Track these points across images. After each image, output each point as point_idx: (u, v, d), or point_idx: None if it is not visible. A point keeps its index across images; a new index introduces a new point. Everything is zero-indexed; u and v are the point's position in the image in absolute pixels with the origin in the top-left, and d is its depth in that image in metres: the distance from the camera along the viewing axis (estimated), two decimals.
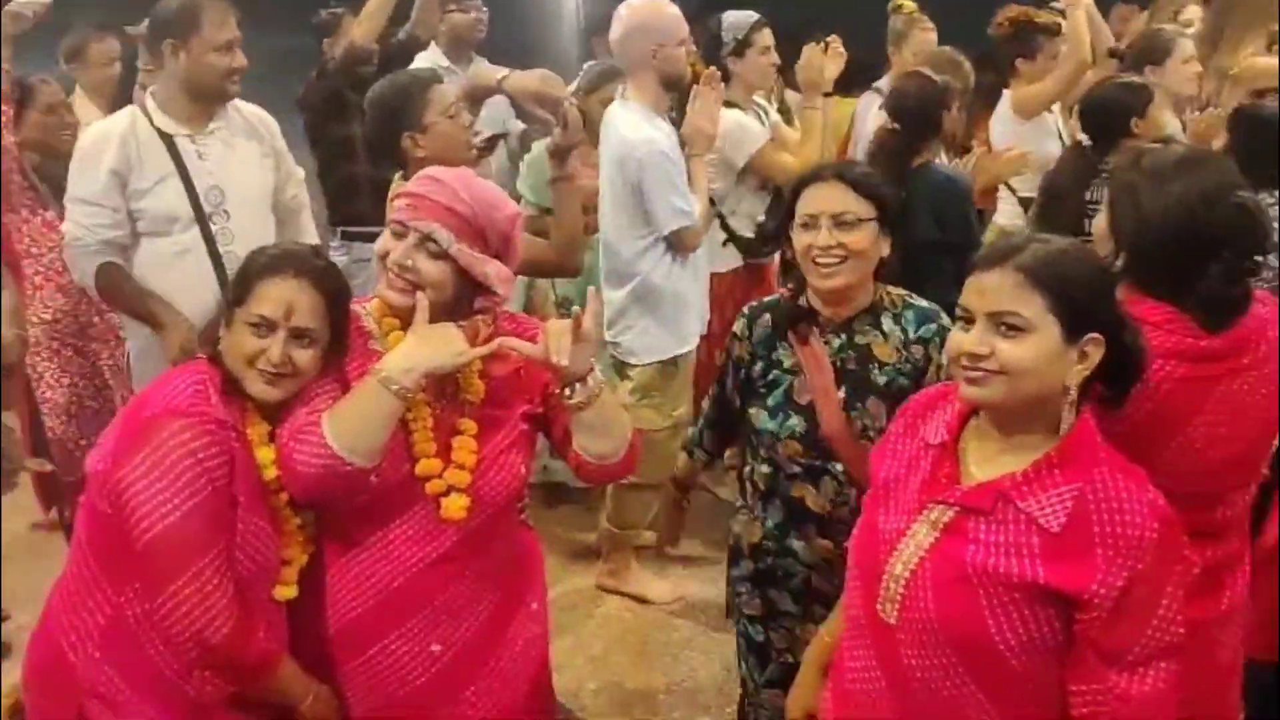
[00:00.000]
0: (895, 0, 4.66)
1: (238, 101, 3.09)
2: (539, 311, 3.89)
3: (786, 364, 2.22)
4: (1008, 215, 4.21)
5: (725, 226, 3.92)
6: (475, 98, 3.12)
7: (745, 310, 2.33)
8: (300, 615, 1.92)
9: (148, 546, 1.72)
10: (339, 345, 1.90)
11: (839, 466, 2.17)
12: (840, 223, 2.11)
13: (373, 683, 1.94)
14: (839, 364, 2.19)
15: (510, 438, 1.98)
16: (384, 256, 1.91)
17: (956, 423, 1.66)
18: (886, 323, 2.21)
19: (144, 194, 2.95)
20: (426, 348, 1.83)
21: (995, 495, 1.55)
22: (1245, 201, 1.81)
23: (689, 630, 3.54)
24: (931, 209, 3.44)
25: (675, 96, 3.50)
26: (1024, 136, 4.12)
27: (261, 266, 1.87)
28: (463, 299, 1.92)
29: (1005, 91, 4.32)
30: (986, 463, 1.61)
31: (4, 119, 3.42)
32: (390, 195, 2.08)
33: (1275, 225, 2.06)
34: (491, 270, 1.91)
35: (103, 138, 2.96)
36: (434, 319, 1.87)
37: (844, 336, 2.20)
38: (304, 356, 1.85)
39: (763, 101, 4.10)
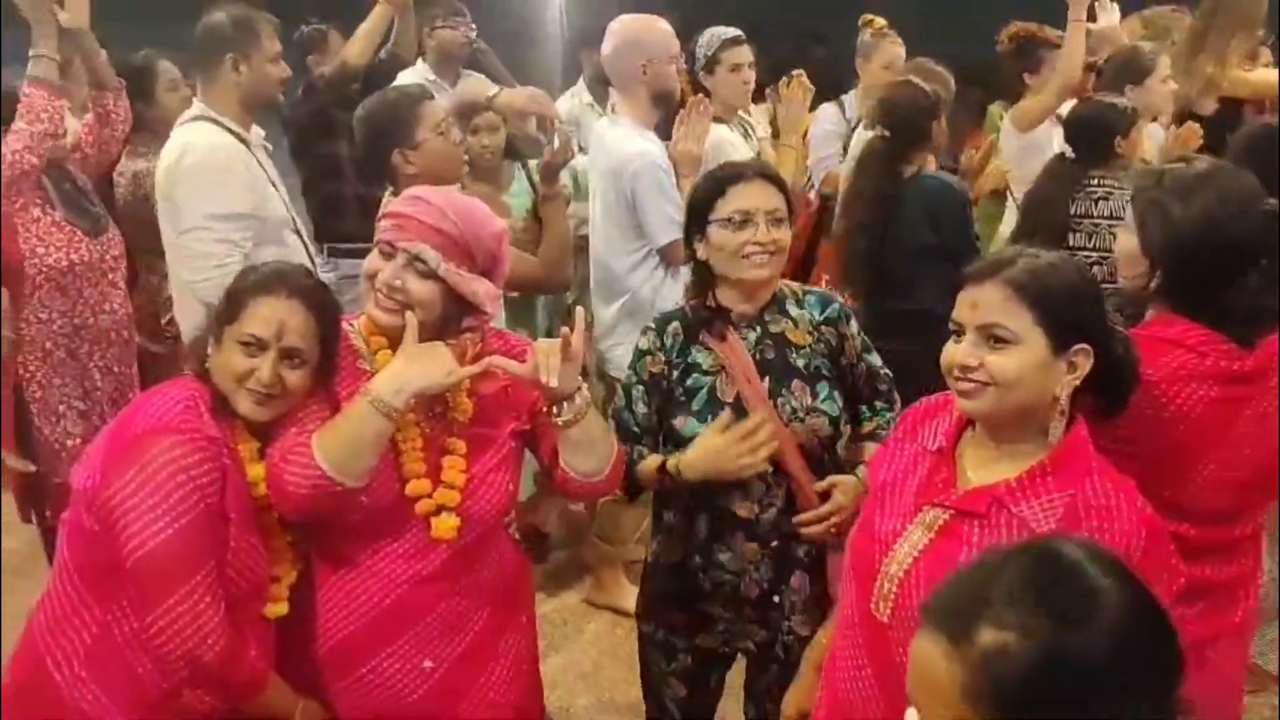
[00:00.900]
0: (866, 16, 4.74)
1: None
2: None
3: (705, 365, 2.24)
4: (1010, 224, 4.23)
5: None
6: (465, 114, 3.13)
7: (650, 325, 2.30)
8: (291, 633, 1.93)
9: (139, 564, 1.72)
10: (329, 365, 1.90)
11: (769, 467, 2.19)
12: (774, 219, 2.18)
13: (365, 700, 1.94)
14: (758, 355, 2.23)
15: (499, 456, 1.99)
16: (372, 277, 1.91)
17: (954, 430, 1.68)
18: (793, 309, 2.28)
19: (265, 201, 3.02)
20: (416, 368, 1.83)
21: (989, 500, 1.58)
22: (1274, 208, 1.86)
23: None
24: (927, 215, 3.48)
25: (663, 116, 3.51)
26: (1028, 148, 4.15)
27: (253, 285, 1.87)
28: (451, 318, 1.93)
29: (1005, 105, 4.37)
30: (982, 469, 1.63)
31: None
32: (380, 213, 2.08)
33: None
34: (480, 289, 1.92)
35: (223, 150, 2.99)
36: (422, 338, 1.87)
37: (758, 329, 2.25)
38: (294, 376, 1.85)
39: (749, 118, 4.11)
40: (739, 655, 2.37)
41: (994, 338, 1.57)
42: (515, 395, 2.01)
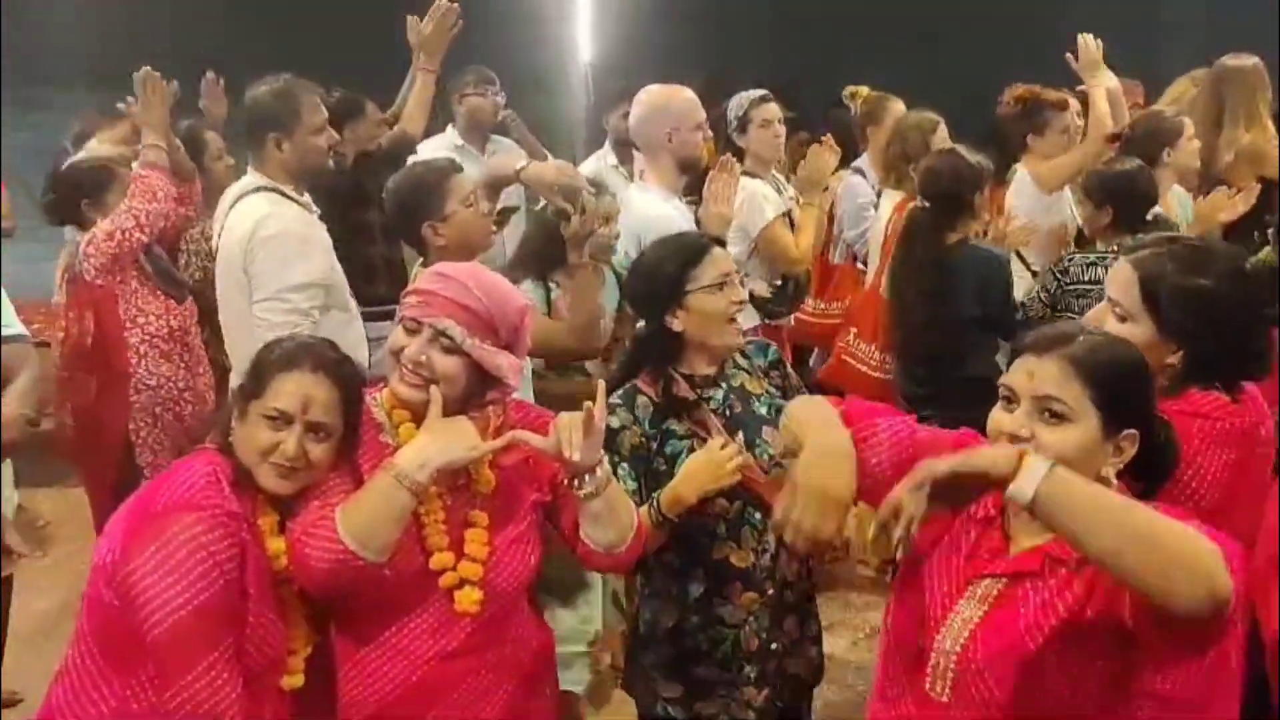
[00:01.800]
0: (849, 89, 4.86)
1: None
2: None
3: (680, 431, 2.25)
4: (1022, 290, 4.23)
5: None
6: (494, 186, 3.18)
7: (616, 400, 2.25)
8: (311, 706, 1.91)
9: (158, 640, 1.72)
10: (352, 438, 1.91)
11: (757, 515, 2.22)
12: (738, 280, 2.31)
13: None
14: (727, 414, 2.27)
15: (520, 528, 1.99)
16: (397, 352, 1.92)
17: (1001, 498, 1.64)
18: (742, 361, 2.37)
19: (333, 269, 3.07)
20: (440, 443, 1.84)
21: (1043, 556, 1.56)
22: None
23: None
24: (976, 287, 3.50)
25: (691, 181, 3.55)
26: (1045, 209, 4.18)
27: (278, 359, 1.88)
28: (474, 391, 1.94)
29: (1016, 167, 4.37)
30: (1032, 536, 1.60)
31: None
32: (408, 288, 2.11)
33: None
34: (503, 362, 1.93)
35: (301, 220, 3.04)
36: (446, 411, 1.88)
37: (721, 385, 2.30)
38: (319, 450, 1.85)
39: (780, 176, 4.19)
40: None
41: (1049, 411, 1.56)
42: (537, 467, 2.01)
